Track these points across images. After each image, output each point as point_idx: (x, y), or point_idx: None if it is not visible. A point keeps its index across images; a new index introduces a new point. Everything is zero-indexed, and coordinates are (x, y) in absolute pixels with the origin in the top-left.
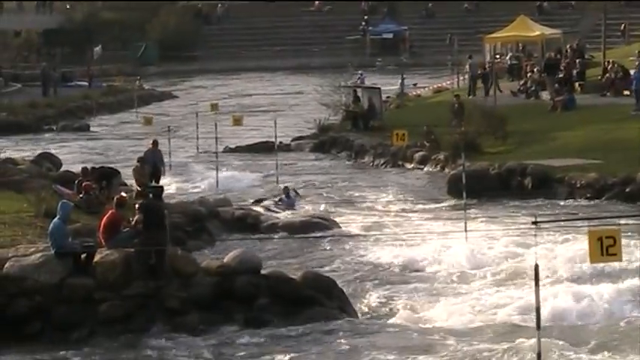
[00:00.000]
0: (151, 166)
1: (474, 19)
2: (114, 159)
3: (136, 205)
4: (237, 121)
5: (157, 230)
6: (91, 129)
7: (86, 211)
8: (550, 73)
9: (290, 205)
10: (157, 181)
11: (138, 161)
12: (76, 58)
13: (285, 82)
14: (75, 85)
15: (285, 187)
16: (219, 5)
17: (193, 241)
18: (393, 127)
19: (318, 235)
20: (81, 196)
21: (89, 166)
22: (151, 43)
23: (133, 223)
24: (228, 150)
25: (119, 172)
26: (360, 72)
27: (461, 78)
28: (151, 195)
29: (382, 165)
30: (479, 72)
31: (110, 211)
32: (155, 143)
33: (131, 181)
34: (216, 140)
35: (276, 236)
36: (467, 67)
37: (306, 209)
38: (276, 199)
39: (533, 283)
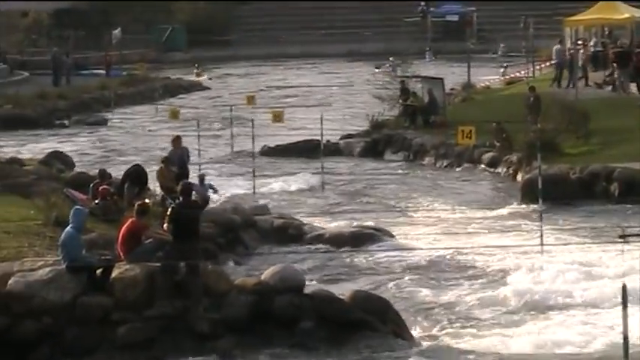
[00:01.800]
0: (177, 167)
1: None
2: (135, 159)
3: (168, 211)
4: (278, 117)
5: (187, 241)
6: (109, 124)
7: (103, 219)
8: (621, 65)
9: (199, 193)
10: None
11: (162, 162)
12: (92, 42)
13: (332, 71)
14: (90, 73)
15: (201, 175)
16: None
17: (226, 254)
18: (457, 124)
19: (371, 249)
20: (97, 201)
21: (103, 168)
22: (177, 25)
23: (163, 229)
24: (267, 150)
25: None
26: (391, 59)
27: (537, 67)
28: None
29: (445, 167)
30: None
31: (130, 220)
32: (178, 140)
33: (155, 185)
34: (253, 139)
35: (322, 249)
36: (553, 52)
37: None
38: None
39: (620, 306)
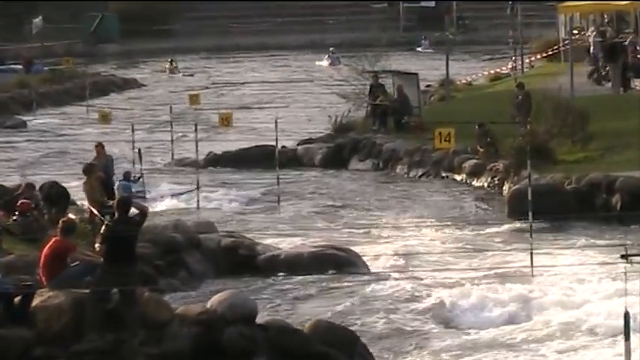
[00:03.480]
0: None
1: None
2: (58, 168)
3: (102, 229)
4: (226, 120)
5: (122, 264)
6: (29, 127)
7: (22, 238)
8: (612, 58)
9: (126, 190)
10: (111, 197)
11: (84, 172)
12: (10, 32)
13: (290, 65)
14: (8, 68)
15: (127, 172)
16: None
17: (167, 278)
18: (435, 126)
19: (334, 273)
20: (15, 217)
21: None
22: (109, 13)
23: (93, 250)
24: (213, 158)
25: (68, 194)
26: (331, 49)
27: (526, 61)
28: (108, 217)
29: (420, 177)
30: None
31: (54, 239)
32: (101, 147)
33: (79, 197)
34: (197, 145)
35: (277, 273)
36: (590, 39)
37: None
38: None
39: (622, 336)
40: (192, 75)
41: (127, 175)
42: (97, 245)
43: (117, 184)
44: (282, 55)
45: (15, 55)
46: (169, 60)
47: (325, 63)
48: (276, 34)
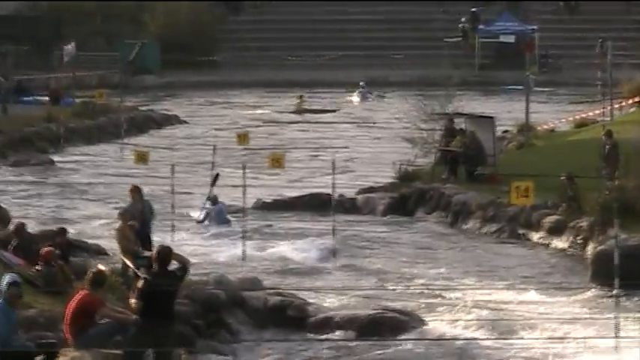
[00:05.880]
0: (138, 224)
1: None
2: (89, 213)
3: (138, 284)
4: (277, 162)
5: (158, 322)
6: (57, 166)
7: (45, 290)
8: None
9: (219, 214)
10: (148, 246)
11: (120, 218)
12: (38, 60)
13: (349, 104)
14: (34, 100)
15: (214, 196)
16: None
17: (206, 340)
18: (511, 178)
19: (396, 339)
20: (38, 267)
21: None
22: (149, 41)
23: (127, 306)
24: (262, 205)
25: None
26: (361, 83)
27: (615, 106)
28: (143, 269)
29: (494, 234)
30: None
31: (82, 292)
32: (136, 191)
33: (112, 246)
34: (244, 190)
35: (331, 338)
36: None
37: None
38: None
39: None
40: (334, 111)
41: (215, 200)
42: (132, 301)
43: (204, 211)
44: (340, 93)
45: (44, 85)
46: (299, 95)
47: (356, 99)
48: (332, 69)
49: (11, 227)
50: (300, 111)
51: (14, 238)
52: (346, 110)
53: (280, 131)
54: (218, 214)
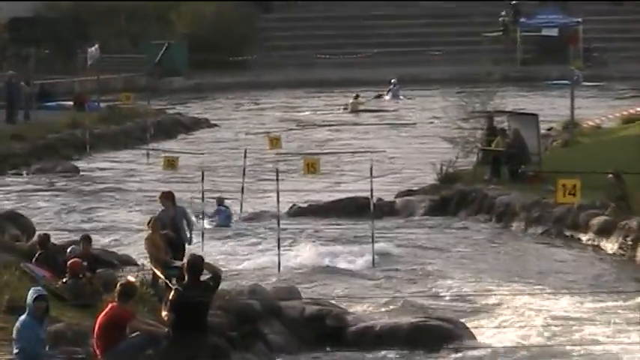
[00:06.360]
0: (170, 232)
1: None
2: (119, 221)
3: (170, 295)
4: (312, 166)
5: (192, 335)
6: (82, 174)
7: (73, 303)
8: None
9: (226, 218)
10: (180, 256)
11: (150, 226)
12: (60, 63)
13: (386, 103)
14: (58, 105)
15: (219, 198)
16: None
17: (240, 353)
18: (557, 176)
19: (441, 350)
20: (65, 280)
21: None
22: (176, 41)
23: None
24: (297, 210)
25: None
26: (393, 80)
27: None
28: (175, 280)
29: (541, 235)
30: None
31: (111, 305)
32: (167, 197)
33: (140, 256)
34: (278, 195)
35: (372, 349)
36: None
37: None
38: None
39: None
40: (392, 111)
41: (220, 201)
42: (164, 313)
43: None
44: (376, 91)
45: (67, 89)
46: (355, 95)
47: (387, 97)
48: (368, 67)
49: (35, 238)
50: (355, 111)
51: (39, 249)
52: (382, 110)
53: (314, 134)
54: (225, 216)
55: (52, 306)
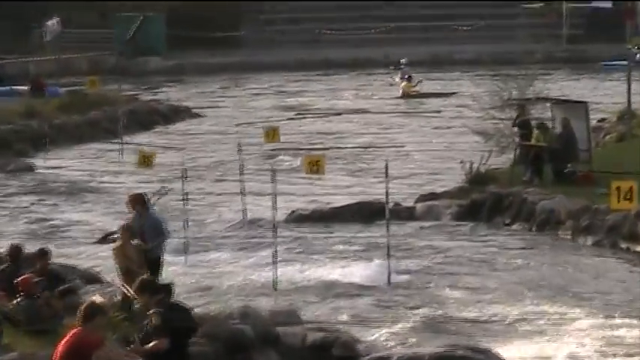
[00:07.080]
0: (140, 242)
1: None
2: (82, 230)
3: (152, 319)
4: (315, 165)
5: None
6: (38, 171)
7: (28, 328)
8: None
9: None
10: (154, 270)
11: (121, 234)
12: (14, 41)
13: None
14: (10, 90)
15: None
16: None
17: None
18: (610, 178)
19: None
20: (18, 300)
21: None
22: (152, 15)
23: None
24: (297, 217)
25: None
26: (402, 61)
27: None
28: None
29: (591, 247)
30: None
31: (73, 331)
32: (137, 201)
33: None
34: (274, 199)
35: None
36: None
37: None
38: None
39: None
40: (452, 94)
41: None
42: (151, 344)
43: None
44: (391, 74)
45: (21, 71)
46: (408, 76)
47: (397, 79)
48: (379, 45)
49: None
50: (408, 95)
51: (8, 261)
52: (394, 96)
53: (318, 125)
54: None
55: (4, 332)
